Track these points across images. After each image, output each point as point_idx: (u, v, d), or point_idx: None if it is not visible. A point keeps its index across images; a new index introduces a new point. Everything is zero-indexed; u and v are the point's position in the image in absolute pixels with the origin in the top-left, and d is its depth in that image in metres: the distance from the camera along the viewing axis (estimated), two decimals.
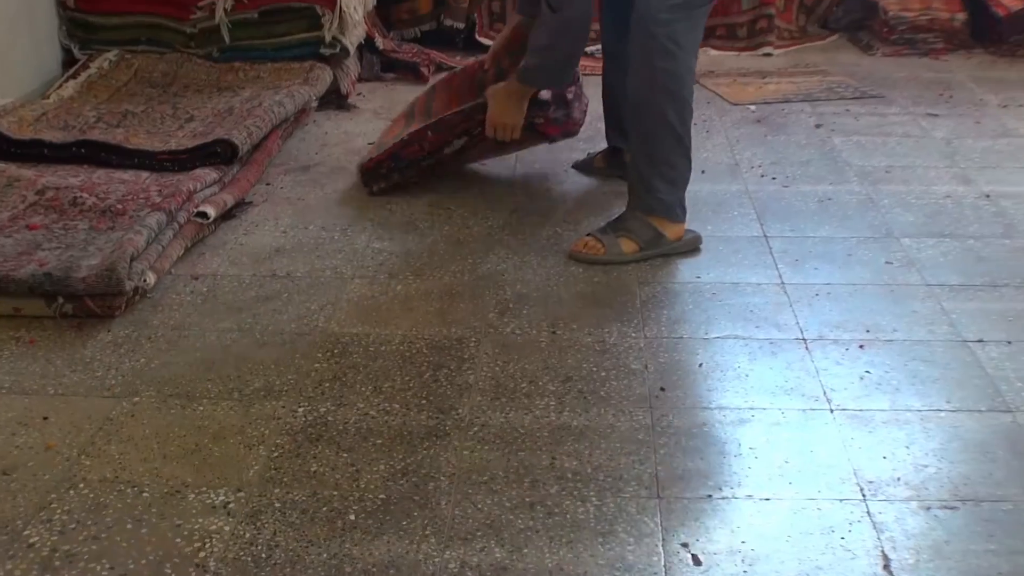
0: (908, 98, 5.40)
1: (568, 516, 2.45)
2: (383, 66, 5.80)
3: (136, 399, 2.91)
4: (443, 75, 4.79)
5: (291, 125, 4.77)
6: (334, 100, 5.25)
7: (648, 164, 3.68)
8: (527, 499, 2.51)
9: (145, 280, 3.38)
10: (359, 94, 5.48)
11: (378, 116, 5.16)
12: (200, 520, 2.45)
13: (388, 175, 4.24)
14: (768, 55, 6.28)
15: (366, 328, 3.26)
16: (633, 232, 3.67)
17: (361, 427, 2.78)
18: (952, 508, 2.49)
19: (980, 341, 3.17)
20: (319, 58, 5.22)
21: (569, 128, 4.17)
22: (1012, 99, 5.36)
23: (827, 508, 2.49)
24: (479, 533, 2.40)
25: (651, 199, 3.69)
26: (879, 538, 2.39)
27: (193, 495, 2.53)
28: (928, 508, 2.49)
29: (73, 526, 2.43)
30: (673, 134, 3.64)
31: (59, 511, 2.47)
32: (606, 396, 2.92)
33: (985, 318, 3.29)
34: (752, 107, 5.27)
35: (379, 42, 5.81)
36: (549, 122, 4.05)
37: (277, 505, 2.50)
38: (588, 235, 3.73)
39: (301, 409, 2.86)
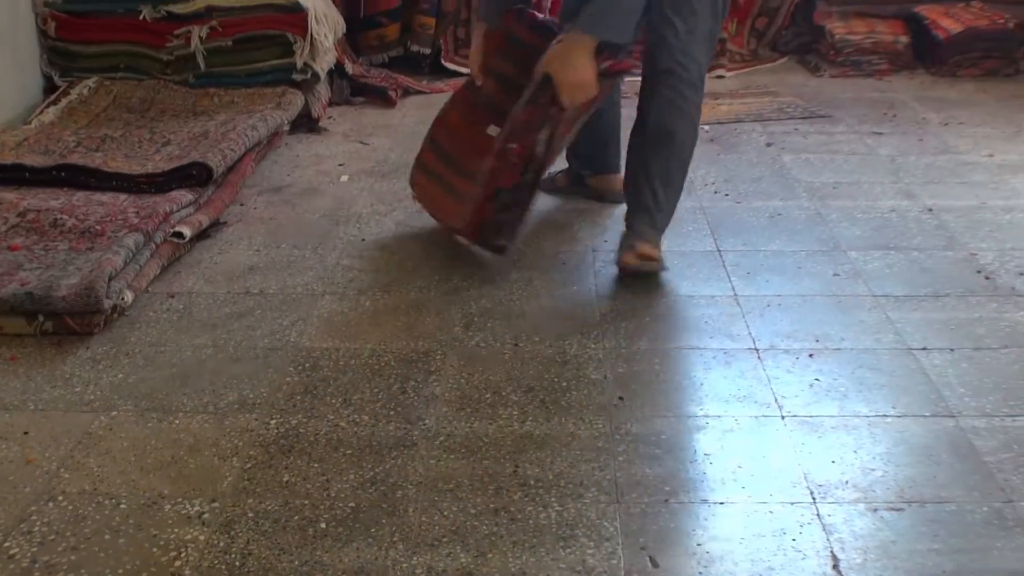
0: (854, 117, 5.41)
1: (531, 521, 2.45)
2: (353, 90, 5.78)
3: (114, 413, 2.89)
4: (433, 123, 4.05)
5: (264, 148, 4.75)
6: (305, 123, 5.23)
7: (664, 186, 3.62)
8: (491, 506, 2.50)
9: (123, 298, 3.36)
10: (330, 117, 5.45)
11: (347, 139, 5.14)
12: (176, 530, 2.43)
13: (503, 217, 3.68)
14: (721, 77, 6.27)
15: (336, 342, 3.24)
16: (656, 243, 3.63)
17: (331, 438, 2.76)
18: (898, 510, 2.49)
19: (924, 349, 3.18)
20: (291, 83, 5.21)
21: (630, 65, 3.81)
22: (953, 117, 5.38)
23: (779, 511, 2.49)
24: (445, 539, 2.39)
25: (662, 218, 3.65)
26: (828, 539, 2.39)
27: (169, 506, 2.51)
28: (875, 510, 2.49)
29: (52, 537, 2.41)
30: (686, 162, 3.67)
31: (39, 523, 2.45)
32: (567, 406, 2.91)
33: (929, 327, 3.30)
34: (706, 127, 5.26)
35: (349, 67, 5.80)
36: (615, 59, 3.56)
37: (250, 515, 2.48)
38: (635, 244, 3.60)
39: (273, 421, 2.84)
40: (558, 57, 3.43)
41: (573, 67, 3.41)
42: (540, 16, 3.80)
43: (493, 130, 3.66)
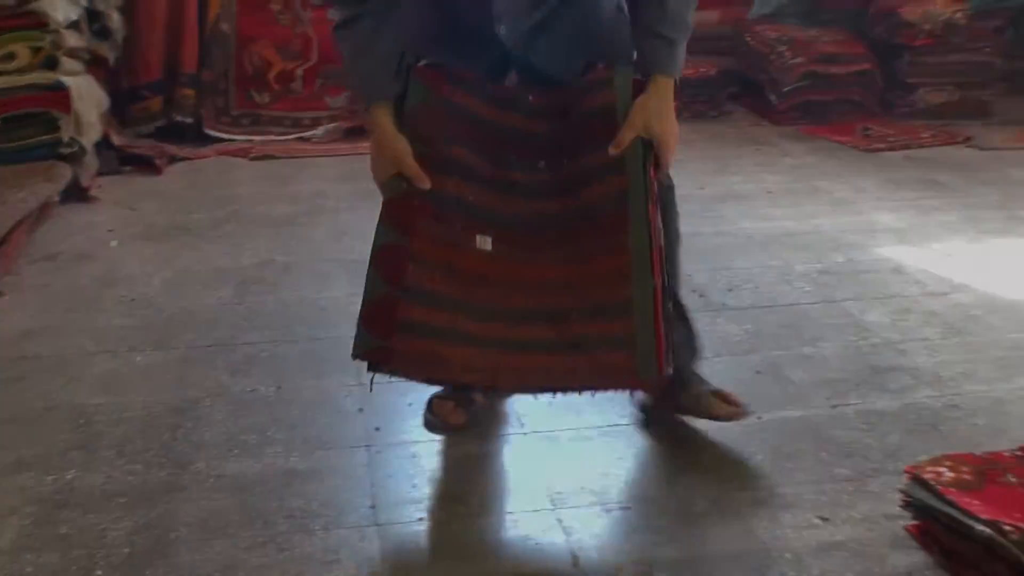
0: None
1: (297, 550, 2.42)
2: (121, 160, 5.62)
3: None
4: (381, 265, 2.55)
5: (35, 220, 4.60)
6: (76, 194, 5.05)
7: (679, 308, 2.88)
8: (260, 539, 2.46)
9: None
10: (99, 187, 5.27)
11: (117, 206, 5.00)
12: None
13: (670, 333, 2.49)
14: None
15: (109, 398, 3.14)
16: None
17: (106, 489, 2.68)
18: (627, 508, 2.56)
19: None
20: (59, 157, 5.02)
21: None
22: None
23: (523, 519, 2.52)
24: (217, 574, 2.34)
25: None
26: (568, 540, 2.43)
27: None
28: (608, 510, 2.55)
29: None
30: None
31: None
32: (328, 440, 2.89)
33: None
34: None
35: (115, 139, 5.66)
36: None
37: (29, 569, 2.38)
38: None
39: (50, 478, 2.73)
40: (659, 114, 2.44)
41: (673, 122, 2.48)
42: (471, 75, 2.57)
43: (483, 242, 2.55)
